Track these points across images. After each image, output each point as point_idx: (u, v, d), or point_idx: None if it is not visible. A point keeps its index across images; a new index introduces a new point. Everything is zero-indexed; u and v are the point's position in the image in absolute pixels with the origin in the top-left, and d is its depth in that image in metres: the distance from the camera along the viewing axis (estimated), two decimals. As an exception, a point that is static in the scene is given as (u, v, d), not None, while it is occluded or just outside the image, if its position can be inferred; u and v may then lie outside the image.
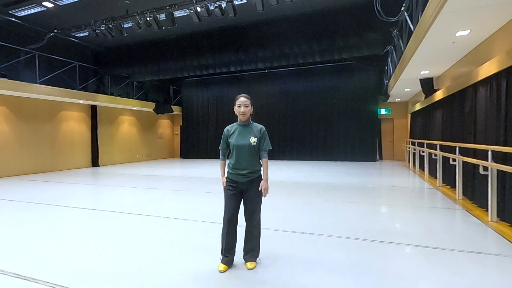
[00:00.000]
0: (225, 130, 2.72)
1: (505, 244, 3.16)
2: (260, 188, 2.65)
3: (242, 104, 2.62)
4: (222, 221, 2.71)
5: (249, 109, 2.65)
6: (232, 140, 2.64)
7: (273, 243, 3.29)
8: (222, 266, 2.61)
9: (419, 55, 5.67)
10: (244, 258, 2.72)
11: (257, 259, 2.72)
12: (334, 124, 13.30)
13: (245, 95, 2.68)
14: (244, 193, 2.65)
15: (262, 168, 2.72)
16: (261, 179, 2.71)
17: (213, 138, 15.50)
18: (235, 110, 2.67)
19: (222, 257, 2.68)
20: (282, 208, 4.88)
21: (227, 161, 2.73)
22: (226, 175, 2.73)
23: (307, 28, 9.16)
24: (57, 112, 10.74)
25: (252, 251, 2.69)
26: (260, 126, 2.72)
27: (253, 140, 2.61)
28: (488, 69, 4.30)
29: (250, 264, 2.65)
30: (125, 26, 9.13)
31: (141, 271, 2.59)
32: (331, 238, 3.41)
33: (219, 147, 2.82)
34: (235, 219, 2.64)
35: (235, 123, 2.73)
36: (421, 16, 4.71)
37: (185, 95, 16.44)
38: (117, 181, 8.07)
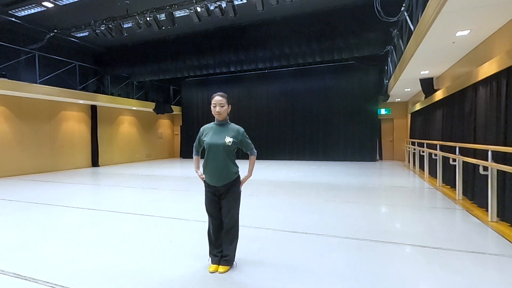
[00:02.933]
0: (201, 128, 2.66)
1: (505, 244, 3.16)
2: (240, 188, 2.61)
3: (217, 104, 2.52)
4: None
5: (225, 109, 2.54)
6: (206, 139, 2.54)
7: (273, 243, 3.29)
8: (213, 267, 2.58)
9: (419, 55, 5.67)
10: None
11: (233, 263, 2.64)
12: (334, 124, 13.30)
13: (221, 93, 2.59)
14: (221, 196, 2.56)
15: (239, 169, 2.62)
16: (239, 182, 2.61)
17: (213, 138, 15.48)
18: (212, 110, 2.58)
19: (211, 257, 2.64)
20: (282, 208, 4.88)
21: (202, 163, 2.63)
22: (203, 175, 2.63)
23: (307, 28, 9.16)
24: (57, 112, 10.74)
25: (226, 257, 2.59)
26: (238, 127, 2.61)
27: (228, 140, 2.47)
28: (488, 69, 4.29)
29: (222, 268, 2.55)
30: (125, 26, 9.12)
31: (141, 271, 2.59)
32: (331, 238, 3.41)
33: (193, 144, 2.76)
34: (219, 222, 2.61)
35: (212, 123, 2.64)
36: (421, 16, 4.71)
37: (185, 95, 16.44)
38: (117, 181, 8.07)
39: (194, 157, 2.81)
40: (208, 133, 2.58)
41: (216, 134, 2.54)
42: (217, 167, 2.50)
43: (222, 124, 2.59)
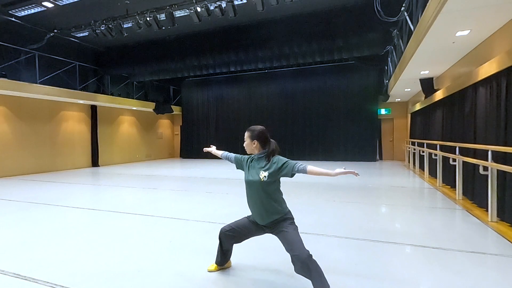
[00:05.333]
0: (245, 156, 2.46)
1: (505, 244, 3.16)
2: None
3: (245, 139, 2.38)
4: (223, 222, 2.69)
5: (247, 144, 2.35)
6: (245, 174, 2.38)
7: (273, 243, 3.28)
8: (214, 266, 2.59)
9: (419, 55, 5.67)
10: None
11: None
12: (334, 124, 13.30)
13: (249, 128, 2.39)
14: (270, 231, 2.32)
15: (285, 206, 2.32)
16: (291, 217, 2.29)
17: (213, 138, 15.51)
18: None
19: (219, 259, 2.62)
20: (282, 208, 4.87)
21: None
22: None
23: (307, 28, 9.16)
24: (57, 112, 10.74)
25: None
26: (277, 157, 2.29)
27: (263, 175, 2.22)
28: (488, 69, 4.30)
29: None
30: (125, 26, 9.12)
31: (141, 271, 2.59)
32: (331, 238, 3.41)
33: (236, 156, 2.54)
34: (239, 237, 2.45)
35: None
36: (421, 16, 4.71)
37: (185, 95, 16.44)
38: (117, 181, 8.07)
39: (223, 153, 2.68)
40: (247, 166, 2.37)
41: (252, 168, 2.31)
42: (257, 205, 2.28)
43: (256, 158, 2.34)
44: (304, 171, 2.15)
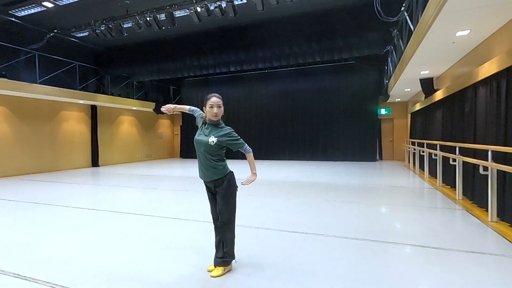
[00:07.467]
0: (201, 117, 2.65)
1: (505, 244, 3.16)
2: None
3: (215, 105, 2.46)
4: None
5: (222, 110, 2.51)
6: (196, 134, 2.59)
7: (273, 243, 3.28)
8: (211, 266, 2.59)
9: (419, 55, 5.67)
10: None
11: (231, 264, 2.58)
12: (334, 124, 13.30)
13: (217, 94, 2.54)
14: (216, 194, 2.56)
15: (227, 166, 2.57)
16: (229, 180, 2.51)
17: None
18: (205, 111, 2.53)
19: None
20: (282, 208, 4.88)
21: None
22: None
23: (307, 28, 9.16)
24: (57, 112, 10.74)
25: (217, 253, 2.55)
26: (226, 127, 2.54)
27: (211, 140, 2.43)
28: (488, 69, 4.29)
29: (213, 271, 2.51)
30: (125, 26, 9.11)
31: (141, 271, 2.59)
32: (331, 238, 3.41)
33: (198, 114, 2.75)
34: (217, 217, 2.59)
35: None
36: (421, 16, 4.71)
37: (185, 95, 16.44)
38: (117, 181, 8.07)
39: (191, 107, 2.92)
40: (199, 128, 2.62)
41: (205, 130, 2.53)
42: (201, 163, 2.54)
43: (213, 124, 2.52)
44: (247, 152, 2.55)
